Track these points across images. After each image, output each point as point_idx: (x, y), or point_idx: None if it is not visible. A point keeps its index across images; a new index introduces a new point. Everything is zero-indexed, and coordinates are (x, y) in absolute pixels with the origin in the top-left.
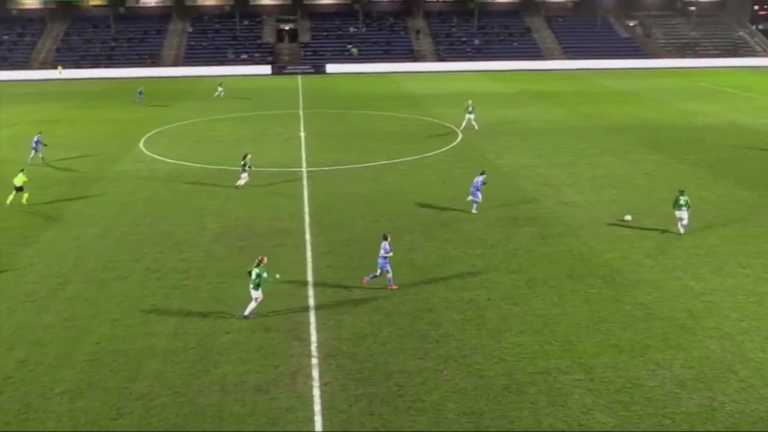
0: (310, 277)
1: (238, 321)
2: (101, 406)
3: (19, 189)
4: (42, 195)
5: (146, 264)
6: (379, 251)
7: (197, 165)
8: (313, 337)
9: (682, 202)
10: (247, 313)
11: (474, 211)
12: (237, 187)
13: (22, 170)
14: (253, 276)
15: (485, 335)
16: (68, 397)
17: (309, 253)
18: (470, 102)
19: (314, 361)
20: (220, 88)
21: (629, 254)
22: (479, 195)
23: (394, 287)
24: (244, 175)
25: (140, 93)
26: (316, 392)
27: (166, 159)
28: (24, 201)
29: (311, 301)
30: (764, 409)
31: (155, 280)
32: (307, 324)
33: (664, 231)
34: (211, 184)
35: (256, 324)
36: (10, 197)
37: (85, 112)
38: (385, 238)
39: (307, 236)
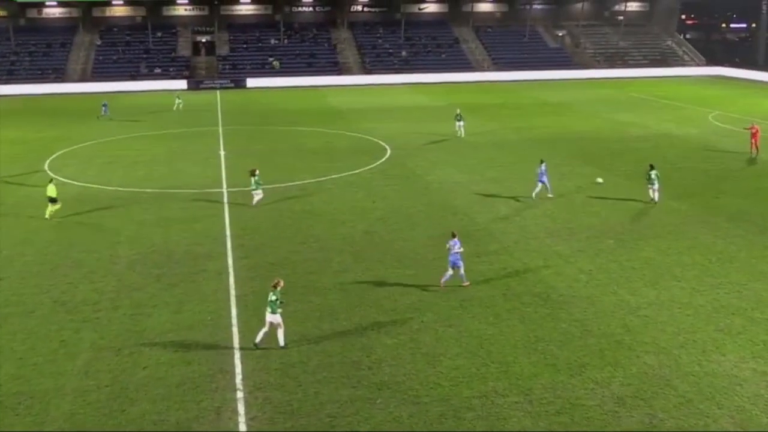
0: (233, 305)
1: (156, 355)
2: None
3: (53, 200)
4: None
5: (54, 296)
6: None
7: (109, 187)
8: (238, 369)
9: (653, 176)
10: (281, 343)
11: (550, 195)
12: (254, 204)
13: (51, 180)
14: (272, 298)
15: (420, 359)
16: None
17: (232, 279)
18: (458, 110)
19: (239, 394)
20: (178, 100)
21: (564, 270)
22: (546, 179)
23: (467, 284)
24: (258, 192)
25: (105, 106)
26: (243, 428)
27: (74, 182)
28: (47, 214)
29: (235, 331)
30: (703, 424)
31: (64, 314)
32: (232, 355)
33: (598, 245)
34: (124, 208)
35: (175, 357)
36: (48, 209)
37: None
38: (454, 236)
39: (230, 261)
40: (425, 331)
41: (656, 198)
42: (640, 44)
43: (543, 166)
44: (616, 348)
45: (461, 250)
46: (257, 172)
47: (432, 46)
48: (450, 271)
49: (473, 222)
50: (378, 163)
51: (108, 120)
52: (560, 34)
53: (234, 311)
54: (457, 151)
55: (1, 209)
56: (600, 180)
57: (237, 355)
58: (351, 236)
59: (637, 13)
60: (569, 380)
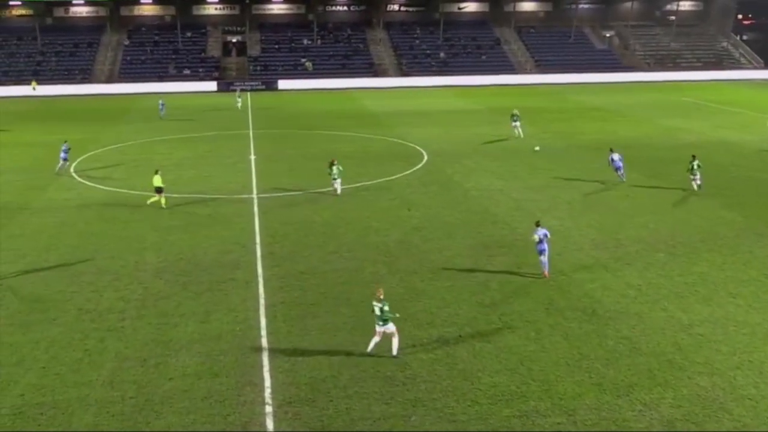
0: (262, 315)
1: (182, 366)
2: None
3: (159, 190)
4: None
5: (78, 304)
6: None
7: (135, 192)
8: (267, 383)
9: (695, 166)
10: (395, 352)
11: (624, 179)
12: (335, 194)
13: (157, 171)
14: (378, 311)
15: (457, 376)
16: None
17: (261, 289)
18: (515, 111)
19: (268, 409)
20: (239, 99)
21: (611, 284)
22: (621, 165)
23: (546, 275)
24: (338, 181)
25: (162, 105)
26: None
27: (100, 186)
28: (150, 201)
29: (264, 342)
30: None
31: (88, 322)
32: (260, 367)
33: (647, 258)
34: (151, 213)
35: (202, 369)
36: (153, 199)
37: (6, 134)
38: (539, 224)
39: (259, 270)
40: (462, 347)
41: (700, 184)
42: (694, 46)
43: (615, 155)
44: (667, 368)
45: (539, 237)
46: (336, 161)
47: (472, 47)
48: (545, 259)
49: (514, 232)
50: (414, 169)
51: (163, 120)
52: (608, 35)
53: (263, 321)
54: (497, 156)
55: (24, 214)
56: (537, 148)
57: (266, 367)
58: (385, 245)
59: (690, 13)
60: (615, 401)
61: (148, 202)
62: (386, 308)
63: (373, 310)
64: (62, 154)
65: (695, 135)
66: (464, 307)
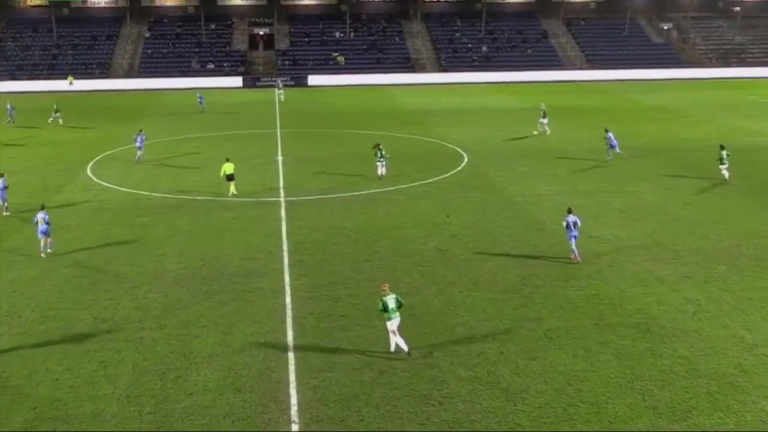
0: (289, 328)
1: (203, 380)
2: None
3: (231, 178)
4: None
5: (94, 312)
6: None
7: (156, 194)
8: (293, 400)
9: (724, 156)
10: (406, 348)
11: (610, 157)
12: (380, 178)
13: (228, 159)
14: (391, 306)
15: (498, 396)
16: None
17: (288, 299)
18: (543, 106)
19: (294, 428)
20: (279, 91)
21: (667, 299)
22: (616, 143)
23: (574, 258)
24: (383, 164)
25: (201, 98)
26: None
27: (118, 187)
28: (232, 192)
29: (291, 356)
30: None
31: (104, 332)
32: (286, 383)
33: (708, 271)
34: (172, 217)
35: (224, 384)
36: (231, 188)
37: (20, 132)
38: (570, 211)
39: (287, 279)
40: (505, 364)
41: (728, 177)
42: (761, 39)
43: (611, 133)
44: (728, 391)
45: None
46: (381, 144)
47: (517, 40)
48: (574, 246)
49: (561, 241)
50: (453, 171)
51: (203, 113)
52: (665, 28)
53: (290, 334)
54: (543, 159)
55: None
56: (535, 132)
57: (292, 383)
58: (421, 254)
59: (756, 4)
60: (671, 426)
61: (230, 194)
62: (396, 302)
63: (384, 308)
64: (138, 143)
65: (763, 137)
66: (507, 322)
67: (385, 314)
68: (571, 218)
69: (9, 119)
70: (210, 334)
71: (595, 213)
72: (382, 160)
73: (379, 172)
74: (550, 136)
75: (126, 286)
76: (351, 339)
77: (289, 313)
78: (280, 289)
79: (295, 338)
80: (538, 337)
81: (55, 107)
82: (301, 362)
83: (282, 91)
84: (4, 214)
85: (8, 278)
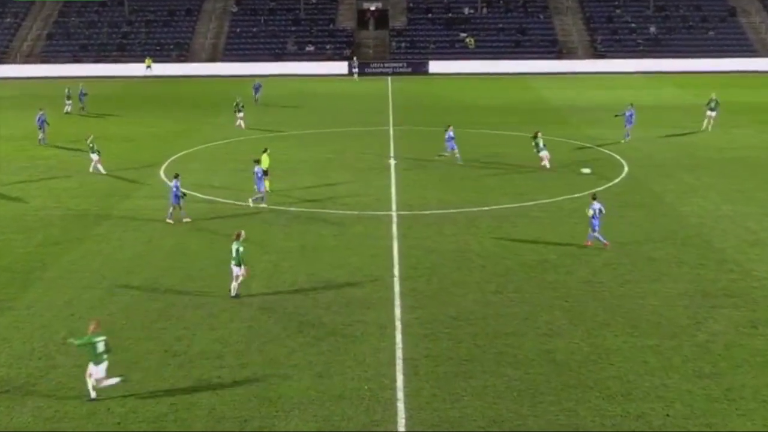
0: (399, 372)
1: (293, 430)
2: None
3: (265, 173)
4: (23, 240)
5: (165, 344)
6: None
7: (240, 203)
8: None
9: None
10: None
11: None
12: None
13: (265, 150)
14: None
15: None
16: None
17: (399, 336)
18: (713, 96)
19: None
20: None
21: None
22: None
23: (589, 244)
24: (545, 154)
25: (257, 87)
26: None
27: (195, 193)
28: (268, 188)
29: (401, 407)
30: None
31: (175, 368)
32: None
33: None
34: (258, 231)
35: None
36: (267, 184)
37: (83, 124)
38: (594, 198)
39: (397, 311)
40: (671, 429)
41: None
42: None
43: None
44: None
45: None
46: (540, 133)
47: (695, 19)
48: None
49: (749, 276)
50: (609, 184)
51: (258, 105)
52: None
53: (400, 380)
54: (727, 171)
55: (103, 226)
56: (587, 170)
57: None
58: (565, 286)
59: None
60: None
61: (267, 189)
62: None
63: (92, 349)
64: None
65: None
66: (674, 377)
67: (94, 357)
68: (596, 205)
69: (80, 105)
70: (302, 376)
71: None
72: (543, 149)
73: (543, 163)
74: (736, 141)
75: (202, 313)
76: (475, 390)
77: (399, 354)
78: (388, 324)
79: (405, 385)
80: (716, 398)
81: (67, 92)
82: (413, 416)
83: (356, 70)
84: (168, 220)
85: (65, 299)
